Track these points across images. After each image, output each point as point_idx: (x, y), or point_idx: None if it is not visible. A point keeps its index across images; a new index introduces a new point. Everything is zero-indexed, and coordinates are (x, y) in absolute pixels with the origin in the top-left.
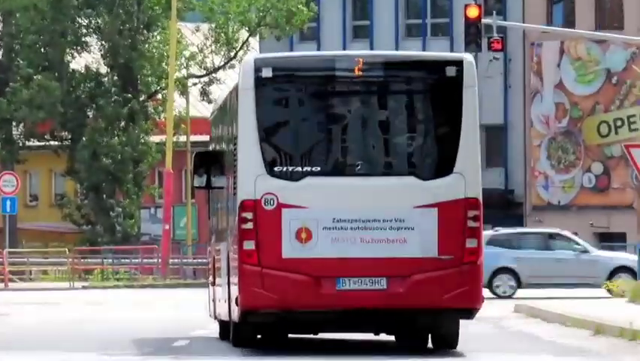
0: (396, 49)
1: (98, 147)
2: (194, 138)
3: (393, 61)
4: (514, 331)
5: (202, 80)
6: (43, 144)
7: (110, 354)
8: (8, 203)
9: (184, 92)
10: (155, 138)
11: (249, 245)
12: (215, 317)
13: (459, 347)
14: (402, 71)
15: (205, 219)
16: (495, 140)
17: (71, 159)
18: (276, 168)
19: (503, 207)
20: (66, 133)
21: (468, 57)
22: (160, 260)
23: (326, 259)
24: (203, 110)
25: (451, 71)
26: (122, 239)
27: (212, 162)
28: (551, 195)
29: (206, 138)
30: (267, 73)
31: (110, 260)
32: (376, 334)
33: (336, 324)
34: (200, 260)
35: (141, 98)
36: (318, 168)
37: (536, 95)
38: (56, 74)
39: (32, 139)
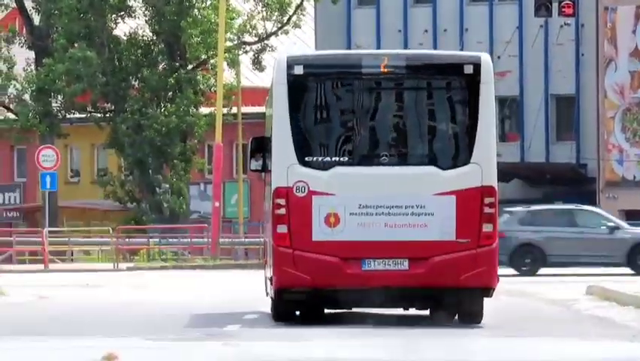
0: (461, 16)
1: (143, 118)
2: (245, 109)
3: (415, 59)
4: (587, 315)
5: (253, 47)
6: (84, 115)
7: (156, 339)
8: (48, 179)
9: (234, 61)
10: (204, 110)
11: (282, 229)
12: (268, 295)
13: (532, 331)
14: (423, 69)
15: (257, 197)
16: (566, 111)
17: (114, 132)
18: (307, 158)
19: (575, 183)
20: (108, 104)
21: (485, 56)
22: (210, 240)
23: (352, 242)
24: (255, 79)
25: (469, 69)
26: (169, 217)
27: (267, 147)
28: (626, 170)
29: (258, 109)
30: (298, 70)
31: (157, 240)
32: (405, 310)
33: (363, 301)
34: (252, 240)
35: (189, 67)
36: (346, 159)
37: (610, 63)
38: (98, 40)
39: (73, 111)
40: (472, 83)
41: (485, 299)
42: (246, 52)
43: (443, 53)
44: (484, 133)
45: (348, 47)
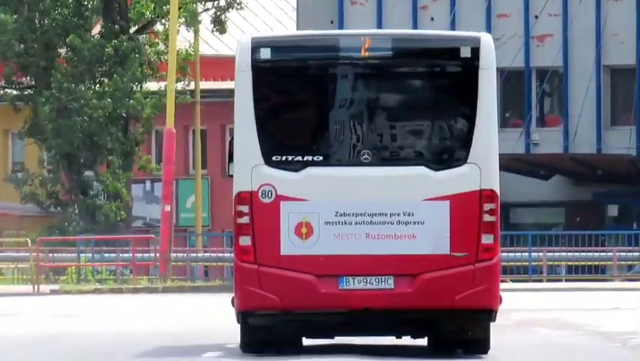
0: None
1: (73, 99)
2: (205, 84)
3: (403, 40)
4: None
5: (215, 3)
6: None
7: None
8: None
9: (192, 20)
10: (151, 86)
11: (245, 241)
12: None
13: None
14: (412, 52)
15: (220, 198)
16: (623, 87)
17: (35, 116)
18: (274, 158)
19: (633, 179)
20: (28, 79)
21: (485, 37)
22: (158, 255)
23: (328, 256)
24: (218, 45)
25: (466, 52)
26: (105, 226)
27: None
28: None
29: (221, 84)
30: (265, 54)
31: (89, 255)
32: (398, 338)
33: (341, 326)
34: (213, 254)
35: (131, 31)
36: (320, 158)
37: None
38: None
39: None
40: (470, 68)
41: (518, 333)
42: (207, 9)
43: (436, 34)
44: (484, 128)
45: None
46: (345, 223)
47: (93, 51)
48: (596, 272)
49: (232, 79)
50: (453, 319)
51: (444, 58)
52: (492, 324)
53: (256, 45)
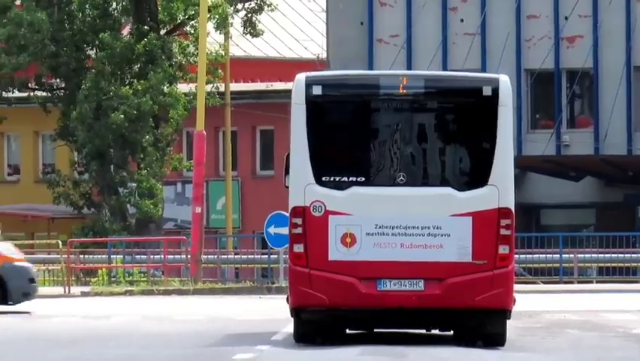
0: None
1: (104, 98)
2: (235, 86)
3: (434, 80)
4: None
5: (246, 5)
6: (26, 95)
7: None
8: None
9: (222, 23)
10: (181, 88)
11: (299, 248)
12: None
13: None
14: (441, 90)
15: (250, 200)
16: None
17: (66, 117)
18: (324, 178)
19: None
20: (58, 80)
21: (503, 78)
22: (189, 256)
23: (368, 262)
24: (249, 47)
25: (487, 91)
26: (136, 227)
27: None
28: None
29: (251, 86)
30: (317, 90)
31: (121, 256)
32: (428, 331)
33: (378, 321)
34: (244, 256)
35: (162, 32)
36: (363, 179)
37: None
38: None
39: (11, 89)
40: (491, 105)
41: (549, 334)
42: (237, 11)
43: (462, 75)
44: (502, 155)
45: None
46: (383, 234)
47: (123, 50)
48: (627, 274)
49: (262, 80)
50: (474, 316)
51: (468, 96)
52: (522, 326)
53: (310, 82)
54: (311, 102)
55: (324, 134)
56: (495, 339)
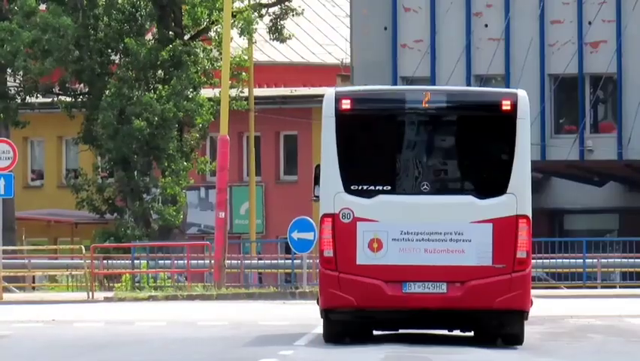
0: None
1: (127, 104)
2: (259, 91)
3: (455, 95)
4: None
5: (270, 10)
6: (50, 100)
7: None
8: (1, 182)
9: (247, 28)
10: (205, 93)
11: (329, 253)
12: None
13: None
14: (463, 104)
15: (274, 205)
16: None
17: (90, 122)
18: (352, 187)
19: None
20: (82, 86)
21: (521, 92)
22: (213, 262)
23: (394, 266)
24: (273, 52)
25: (506, 105)
26: (160, 233)
27: (317, 174)
28: None
29: (275, 91)
30: (346, 105)
31: (144, 262)
32: (450, 331)
33: (404, 322)
34: (267, 261)
35: (186, 37)
36: (389, 187)
37: None
38: (70, 1)
39: (35, 93)
40: (509, 118)
41: (573, 339)
42: (261, 16)
43: (482, 90)
44: (520, 165)
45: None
46: (408, 240)
47: (148, 56)
48: None
49: (285, 85)
50: (493, 317)
51: (488, 110)
52: (546, 331)
53: (339, 97)
54: (340, 116)
55: (353, 146)
56: (513, 339)
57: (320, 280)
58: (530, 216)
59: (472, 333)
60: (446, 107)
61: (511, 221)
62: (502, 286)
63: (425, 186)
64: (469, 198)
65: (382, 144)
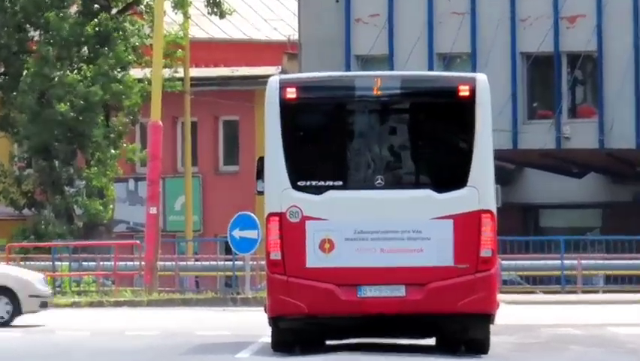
0: None
1: (48, 85)
2: (196, 71)
3: (409, 81)
4: None
5: None
6: None
7: None
8: None
9: (181, 2)
10: (135, 74)
11: (276, 255)
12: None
13: None
14: (418, 90)
15: (213, 200)
16: None
17: (6, 106)
18: (300, 183)
19: None
20: None
21: (480, 77)
22: (143, 263)
23: (348, 268)
24: (211, 28)
25: (464, 91)
26: (84, 230)
27: (261, 169)
28: None
29: (214, 71)
30: (290, 93)
31: (66, 263)
32: (410, 338)
33: (359, 329)
34: (205, 263)
35: (114, 11)
36: (340, 183)
37: None
38: None
39: None
40: (468, 104)
41: (550, 350)
42: None
43: (438, 75)
44: (481, 155)
45: None
46: (362, 240)
47: (72, 31)
48: (636, 283)
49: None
50: (456, 322)
51: (445, 96)
52: (517, 341)
53: (283, 85)
54: (285, 106)
55: (300, 139)
56: (478, 345)
57: (267, 285)
58: (495, 211)
59: (433, 340)
60: (399, 94)
61: (473, 217)
62: (465, 288)
63: (379, 181)
64: (427, 193)
65: (331, 136)
